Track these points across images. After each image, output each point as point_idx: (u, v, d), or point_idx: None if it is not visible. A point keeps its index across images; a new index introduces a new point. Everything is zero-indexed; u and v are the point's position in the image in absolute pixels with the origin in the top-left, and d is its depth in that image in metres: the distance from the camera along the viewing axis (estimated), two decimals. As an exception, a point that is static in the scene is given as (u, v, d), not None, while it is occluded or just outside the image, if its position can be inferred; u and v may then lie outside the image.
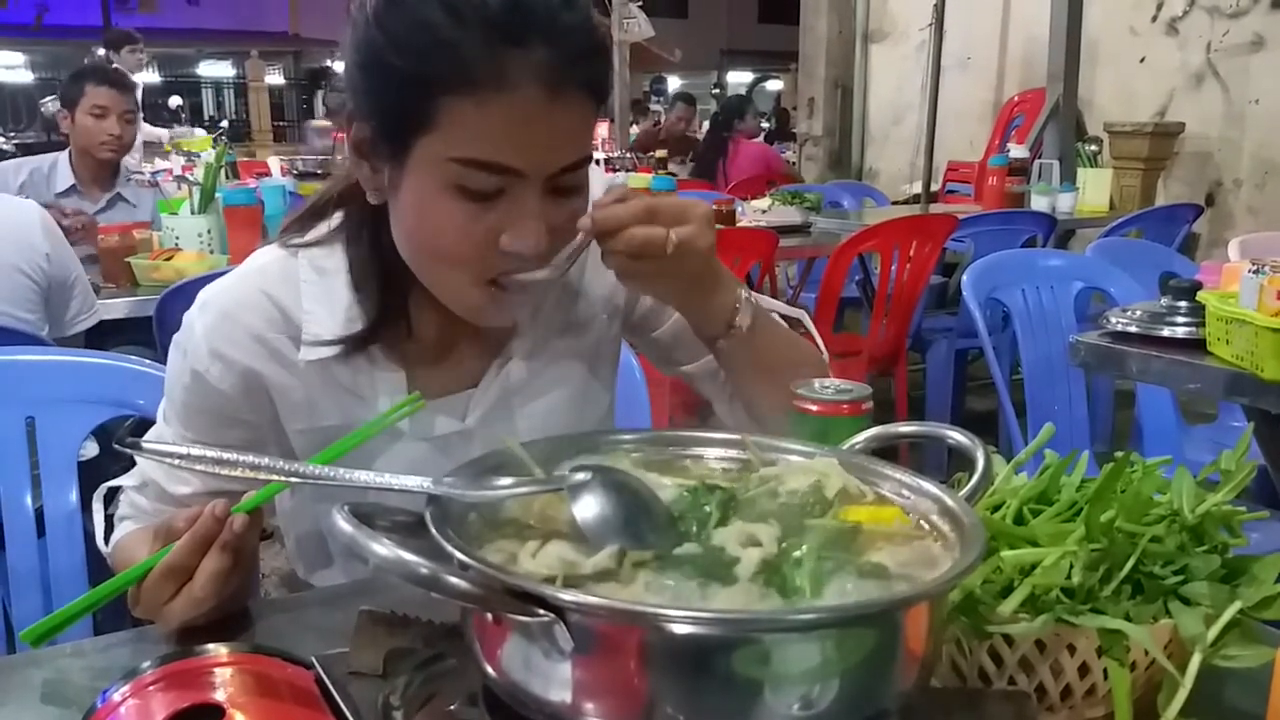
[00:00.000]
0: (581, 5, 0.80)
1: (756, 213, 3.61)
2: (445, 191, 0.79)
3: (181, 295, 2.19)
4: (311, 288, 0.93)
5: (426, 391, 0.92)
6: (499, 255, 0.82)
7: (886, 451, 0.80)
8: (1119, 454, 0.84)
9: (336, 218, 0.95)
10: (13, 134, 9.79)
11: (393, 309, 0.92)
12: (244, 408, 0.95)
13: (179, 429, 0.97)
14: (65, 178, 3.02)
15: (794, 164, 7.18)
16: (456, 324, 0.94)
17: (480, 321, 0.90)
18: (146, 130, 6.33)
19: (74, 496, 1.27)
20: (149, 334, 2.23)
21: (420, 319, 0.95)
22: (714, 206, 3.40)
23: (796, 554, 0.59)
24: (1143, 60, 4.92)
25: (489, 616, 0.57)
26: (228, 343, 0.92)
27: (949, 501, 0.66)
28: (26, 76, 20.05)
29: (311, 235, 0.95)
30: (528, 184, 0.79)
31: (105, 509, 1.01)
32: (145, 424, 1.05)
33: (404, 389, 0.94)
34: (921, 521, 0.67)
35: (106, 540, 1.00)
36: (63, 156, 3.05)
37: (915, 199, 5.46)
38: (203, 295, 0.95)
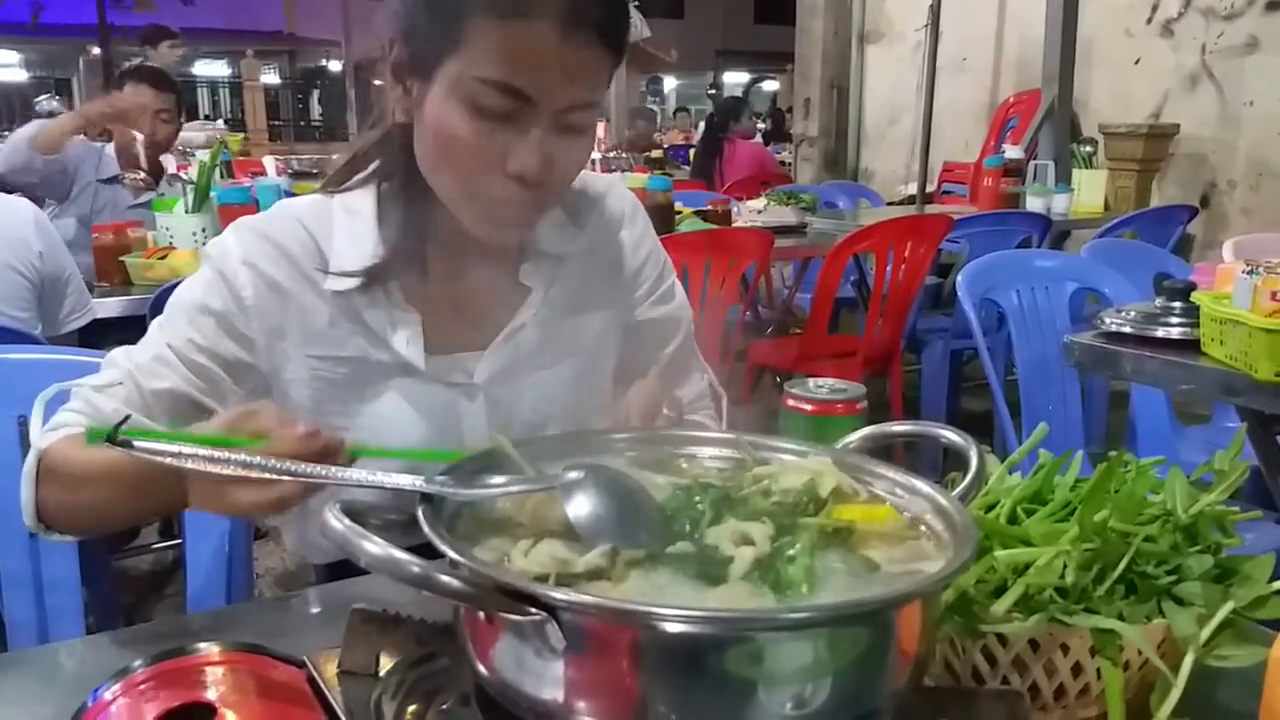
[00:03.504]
0: None
1: (752, 213, 3.61)
2: (463, 107, 0.86)
3: (175, 294, 2.19)
4: (341, 227, 0.99)
5: (440, 343, 1.00)
6: (502, 176, 0.88)
7: (882, 451, 0.80)
8: (1113, 454, 0.84)
9: (372, 165, 1.02)
10: (6, 132, 9.75)
11: (412, 247, 0.98)
12: (254, 322, 0.97)
13: (183, 332, 0.95)
14: (111, 165, 3.07)
15: (789, 164, 7.18)
16: (469, 272, 1.01)
17: (481, 235, 0.95)
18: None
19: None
20: (142, 333, 2.22)
21: (436, 260, 1.00)
22: (710, 206, 3.42)
23: (790, 552, 0.59)
24: (1138, 62, 4.92)
25: (481, 615, 0.57)
26: (261, 256, 0.97)
27: (942, 501, 0.66)
28: (21, 75, 19.99)
29: (348, 183, 1.02)
30: (536, 113, 0.86)
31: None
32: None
33: (419, 331, 0.99)
34: (915, 521, 0.67)
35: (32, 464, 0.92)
36: (110, 146, 3.10)
37: (911, 200, 5.46)
38: (237, 222, 1.01)
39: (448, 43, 0.85)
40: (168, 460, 0.67)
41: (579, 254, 1.07)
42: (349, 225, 0.99)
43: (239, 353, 0.97)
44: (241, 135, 7.04)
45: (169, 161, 3.22)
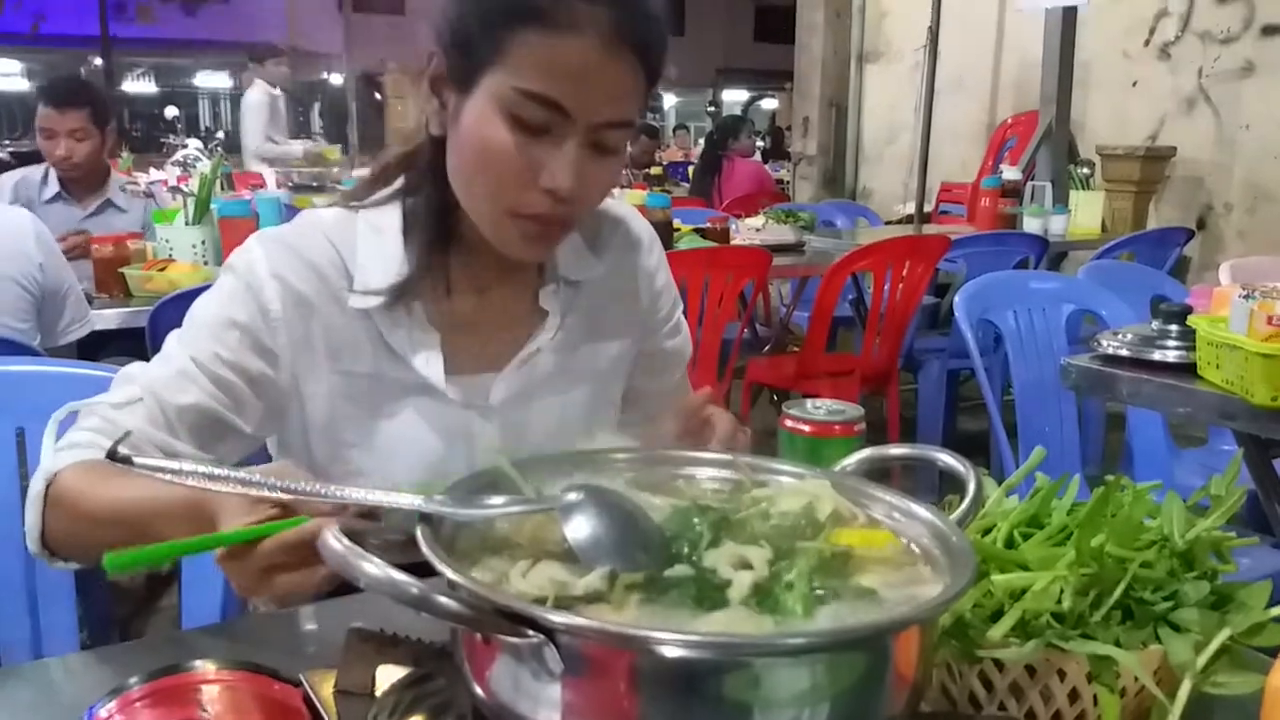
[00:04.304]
0: None
1: (751, 231, 3.62)
2: (501, 117, 0.87)
3: (175, 306, 2.18)
4: (366, 244, 0.99)
5: (457, 363, 1.00)
6: (533, 190, 0.89)
7: (878, 473, 0.80)
8: (1109, 477, 0.84)
9: (398, 181, 1.02)
10: (8, 143, 9.78)
11: (435, 265, 0.99)
12: (280, 335, 0.96)
13: (206, 345, 0.94)
14: (53, 185, 3.00)
15: (788, 183, 7.21)
16: (490, 293, 1.02)
17: (507, 251, 0.95)
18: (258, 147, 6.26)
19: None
20: (141, 344, 2.23)
21: (459, 280, 1.01)
22: (709, 224, 3.43)
23: (788, 577, 0.59)
24: (1135, 84, 4.95)
25: (479, 637, 0.57)
26: (289, 268, 0.96)
27: (940, 525, 0.66)
28: (23, 85, 20.04)
29: (373, 198, 1.02)
30: (572, 128, 0.87)
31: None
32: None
33: (439, 351, 0.99)
34: (912, 545, 0.67)
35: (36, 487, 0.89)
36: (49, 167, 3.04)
37: (908, 219, 5.47)
38: (260, 233, 1.00)
39: (491, 54, 0.87)
40: (167, 478, 0.67)
41: (597, 281, 1.08)
42: (374, 242, 0.99)
43: (263, 366, 0.96)
44: (338, 147, 7.07)
45: (119, 180, 3.15)
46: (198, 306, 0.98)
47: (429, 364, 0.99)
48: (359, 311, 0.97)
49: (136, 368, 0.97)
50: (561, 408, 1.05)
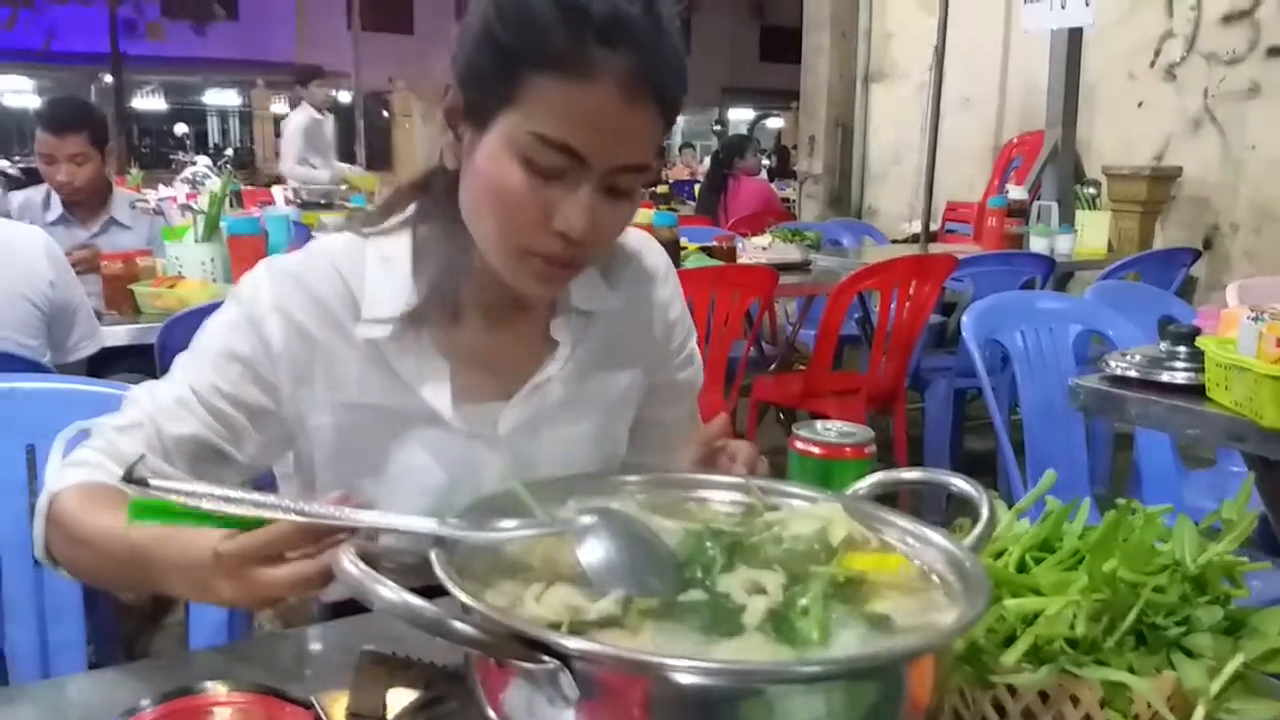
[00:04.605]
0: (671, 28, 0.87)
1: (757, 250, 3.63)
2: (514, 161, 0.86)
3: (184, 324, 2.19)
4: (375, 273, 0.98)
5: (466, 392, 0.99)
6: (546, 232, 0.88)
7: (885, 495, 0.80)
8: (1120, 500, 0.84)
9: (409, 209, 1.01)
10: (18, 159, 9.84)
11: (445, 294, 0.98)
12: (281, 368, 0.95)
13: (206, 376, 0.94)
14: (56, 207, 3.00)
15: (793, 201, 7.23)
16: (501, 324, 1.01)
17: (519, 288, 0.95)
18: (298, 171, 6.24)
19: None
20: (150, 361, 2.23)
21: (469, 309, 1.00)
22: (715, 243, 3.43)
23: (802, 602, 0.59)
24: (1140, 105, 4.96)
25: (493, 661, 0.57)
26: (292, 301, 0.96)
27: (954, 550, 0.66)
28: (34, 101, 20.18)
29: (384, 225, 1.01)
30: (587, 173, 0.86)
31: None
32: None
33: (447, 379, 0.98)
34: (926, 570, 0.67)
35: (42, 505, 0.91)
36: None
37: (914, 238, 5.48)
38: (269, 261, 0.99)
39: (507, 95, 0.85)
40: (183, 500, 0.67)
41: (610, 311, 1.07)
42: (383, 271, 0.98)
43: (262, 400, 0.96)
44: (378, 175, 7.06)
45: (122, 197, 3.14)
46: (205, 332, 0.98)
47: (437, 393, 0.98)
48: (366, 341, 0.97)
49: (143, 390, 0.97)
50: (570, 438, 1.04)
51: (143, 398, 0.96)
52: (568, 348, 1.03)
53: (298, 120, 6.42)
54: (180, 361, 0.97)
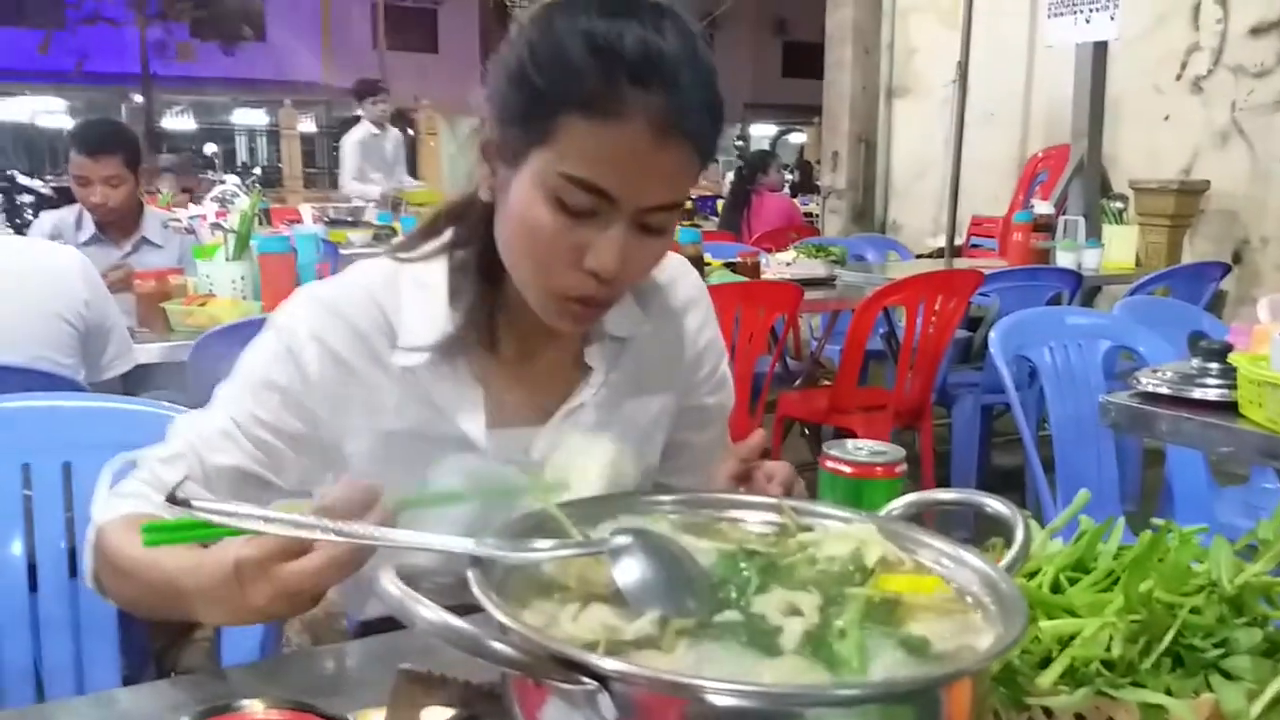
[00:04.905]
0: (706, 66, 0.86)
1: (781, 265, 3.63)
2: (546, 200, 0.86)
3: (215, 341, 2.22)
4: (412, 300, 0.99)
5: (500, 416, 1.00)
6: (578, 272, 0.88)
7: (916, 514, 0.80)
8: (1155, 520, 0.83)
9: (446, 235, 1.02)
10: (50, 178, 9.99)
11: (481, 321, 0.98)
12: (318, 396, 0.96)
13: (247, 406, 0.96)
14: (88, 227, 3.05)
15: (816, 216, 7.22)
16: (536, 351, 1.01)
17: (552, 324, 0.95)
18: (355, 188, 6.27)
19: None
20: (182, 378, 2.26)
21: (505, 337, 1.01)
22: (739, 259, 3.44)
23: (839, 624, 0.59)
24: (1167, 118, 4.93)
25: (530, 680, 0.57)
26: (329, 331, 0.97)
27: (990, 572, 0.66)
28: (66, 121, 20.53)
29: (420, 251, 1.01)
30: (618, 212, 0.86)
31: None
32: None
33: (481, 407, 0.99)
34: (962, 592, 0.67)
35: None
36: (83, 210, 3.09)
37: (939, 253, 5.46)
38: (305, 290, 1.00)
39: (539, 134, 0.85)
40: (224, 520, 0.68)
41: (643, 336, 1.07)
42: (419, 299, 0.99)
43: (301, 428, 0.97)
44: (425, 187, 7.08)
45: (153, 216, 3.18)
46: (244, 362, 0.99)
47: (472, 421, 0.99)
48: (402, 369, 0.98)
49: (186, 421, 0.99)
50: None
51: (186, 429, 0.97)
52: (601, 374, 1.04)
53: (355, 136, 6.45)
54: (221, 392, 0.99)
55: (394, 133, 6.56)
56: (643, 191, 0.85)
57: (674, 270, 1.12)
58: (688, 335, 1.11)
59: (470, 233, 0.99)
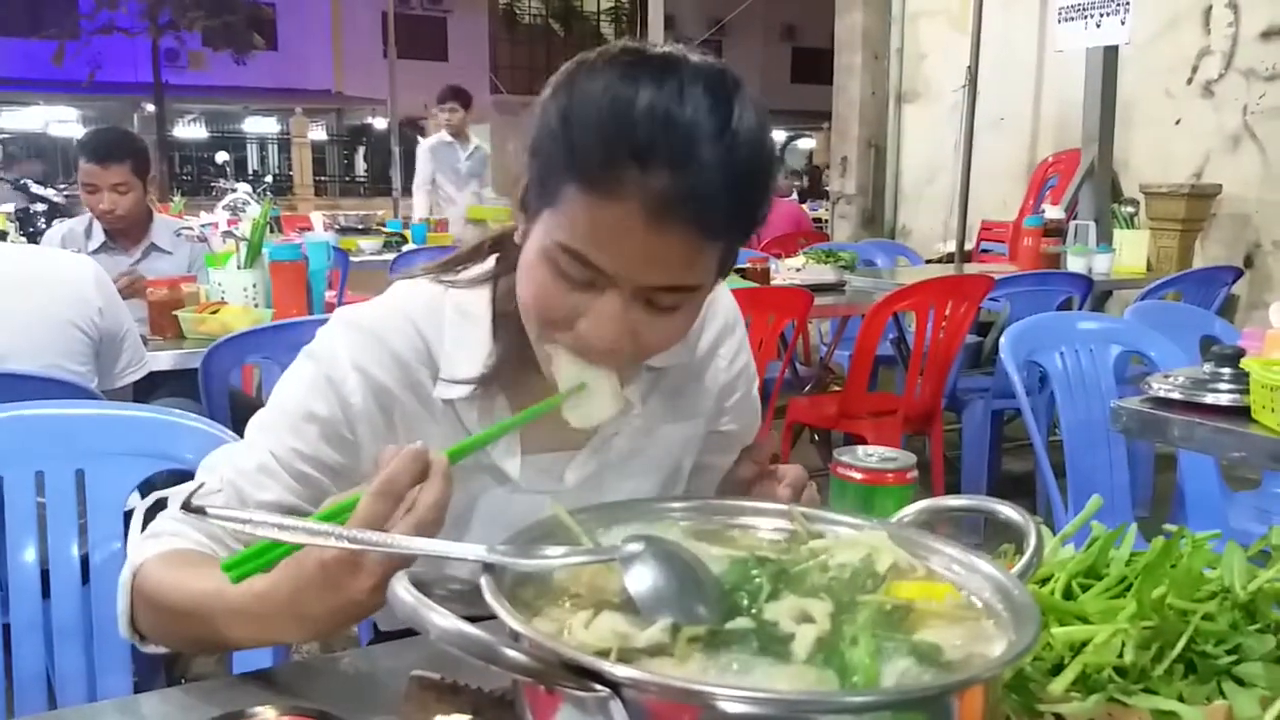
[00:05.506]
0: (740, 141, 0.79)
1: (791, 271, 3.63)
2: (547, 263, 0.84)
3: (227, 349, 2.23)
4: (454, 330, 0.97)
5: (533, 443, 0.98)
6: (575, 335, 0.85)
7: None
8: (1167, 526, 0.83)
9: (490, 261, 1.00)
10: (63, 187, 10.05)
11: (523, 354, 0.94)
12: (361, 427, 0.94)
13: (285, 440, 0.94)
14: (98, 235, 3.09)
15: (826, 222, 7.22)
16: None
17: (550, 378, 0.92)
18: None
19: (119, 547, 1.28)
20: (194, 386, 2.27)
21: (543, 370, 0.97)
22: (749, 264, 3.44)
23: (851, 631, 0.59)
24: (1178, 122, 4.92)
25: (542, 688, 0.58)
26: (371, 360, 0.94)
27: (1002, 579, 0.66)
28: (79, 131, 20.65)
29: (464, 275, 1.00)
30: (615, 287, 0.82)
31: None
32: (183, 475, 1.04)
33: (518, 439, 0.98)
34: (973, 598, 0.67)
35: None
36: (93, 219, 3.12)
37: (949, 258, 5.45)
38: (346, 314, 0.97)
39: (548, 197, 0.83)
40: (241, 527, 0.68)
41: (678, 365, 1.05)
42: (462, 328, 0.97)
43: (340, 459, 0.95)
44: (502, 202, 6.94)
45: (162, 223, 3.21)
46: (280, 392, 0.97)
47: (508, 455, 0.98)
48: (443, 401, 0.96)
49: (222, 457, 0.97)
50: (634, 490, 1.04)
51: (222, 465, 0.95)
52: (637, 404, 1.02)
53: (428, 142, 6.38)
54: (258, 423, 0.96)
55: (473, 144, 6.30)
56: (638, 271, 0.81)
57: (711, 297, 1.07)
58: (722, 362, 1.10)
59: (511, 265, 0.95)
